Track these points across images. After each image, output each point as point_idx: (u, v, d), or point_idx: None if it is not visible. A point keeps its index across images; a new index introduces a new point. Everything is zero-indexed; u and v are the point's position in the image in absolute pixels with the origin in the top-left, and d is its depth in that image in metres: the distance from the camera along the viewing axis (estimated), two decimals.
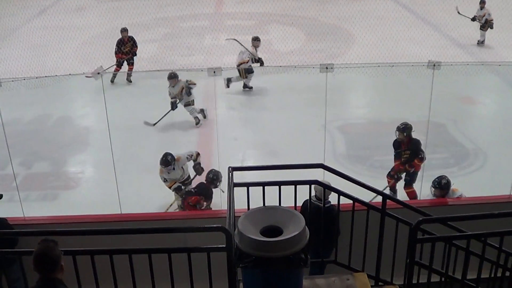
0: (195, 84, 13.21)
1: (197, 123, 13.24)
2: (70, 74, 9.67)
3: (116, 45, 16.12)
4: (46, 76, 10.30)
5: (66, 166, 11.85)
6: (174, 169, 9.67)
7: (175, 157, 9.70)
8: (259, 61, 15.25)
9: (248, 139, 12.56)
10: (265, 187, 5.70)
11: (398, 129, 9.87)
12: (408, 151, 9.91)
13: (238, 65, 15.02)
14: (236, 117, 13.53)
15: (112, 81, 15.95)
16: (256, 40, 15.61)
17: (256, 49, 15.48)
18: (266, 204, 5.45)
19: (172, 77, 13.21)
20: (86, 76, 7.57)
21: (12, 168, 9.52)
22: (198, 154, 9.99)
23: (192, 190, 9.37)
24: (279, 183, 5.76)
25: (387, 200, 6.19)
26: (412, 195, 9.98)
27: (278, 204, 5.54)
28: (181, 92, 13.21)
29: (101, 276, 4.86)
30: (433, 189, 8.63)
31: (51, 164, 11.85)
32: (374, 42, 17.53)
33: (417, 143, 9.86)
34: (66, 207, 9.71)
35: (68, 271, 4.33)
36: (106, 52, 17.98)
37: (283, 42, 19.03)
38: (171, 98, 13.29)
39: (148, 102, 13.94)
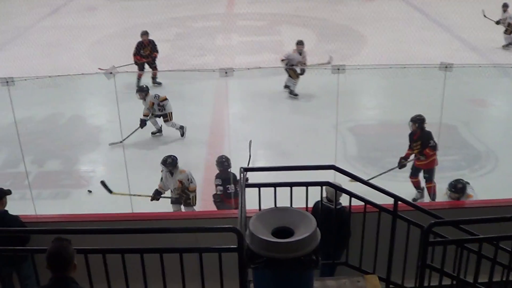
0: (166, 99, 12.69)
1: (182, 134, 12.70)
2: (82, 74, 9.72)
3: (136, 47, 15.93)
4: (58, 75, 10.34)
5: (78, 165, 11.87)
6: (172, 175, 9.47)
7: (179, 169, 9.44)
8: (300, 69, 14.77)
9: (259, 139, 12.47)
10: (276, 187, 5.69)
11: (411, 119, 10.16)
12: (419, 142, 10.09)
13: (287, 68, 14.73)
14: (247, 118, 13.47)
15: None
16: (298, 44, 15.22)
17: (300, 54, 15.08)
18: (277, 205, 5.44)
19: (139, 90, 12.74)
20: (99, 69, 7.58)
21: (25, 166, 9.57)
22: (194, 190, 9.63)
23: (231, 190, 9.15)
24: (291, 184, 5.74)
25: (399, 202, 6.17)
26: (431, 190, 10.21)
27: (289, 205, 5.54)
28: (152, 107, 12.60)
29: (112, 274, 4.88)
30: (449, 192, 8.64)
31: (63, 162, 11.89)
32: (385, 44, 17.51)
33: (428, 134, 10.06)
34: (77, 206, 9.77)
35: (79, 269, 4.34)
36: (118, 52, 18.04)
37: (295, 43, 19.03)
38: (143, 115, 12.66)
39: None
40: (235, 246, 4.59)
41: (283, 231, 4.78)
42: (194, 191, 9.57)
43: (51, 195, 10.43)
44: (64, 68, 13.90)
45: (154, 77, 15.85)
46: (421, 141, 10.05)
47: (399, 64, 9.15)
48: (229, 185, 9.12)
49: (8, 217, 7.19)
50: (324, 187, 6.32)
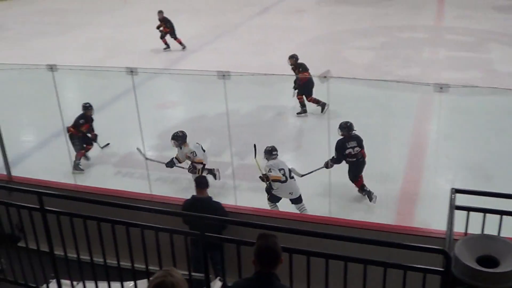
0: (202, 163, 10.89)
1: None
2: (296, 75, 9.87)
3: None
4: (273, 74, 10.65)
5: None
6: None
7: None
8: None
9: (462, 159, 11.94)
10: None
11: None
12: None
13: None
14: (451, 135, 12.87)
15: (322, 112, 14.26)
16: None
17: None
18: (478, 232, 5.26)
19: (173, 138, 10.99)
20: (319, 77, 7.67)
21: (231, 156, 9.99)
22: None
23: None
24: (501, 212, 5.51)
25: None
26: None
27: (496, 234, 5.33)
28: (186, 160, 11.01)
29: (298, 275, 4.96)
30: None
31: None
32: None
33: None
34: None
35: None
36: (323, 56, 18.29)
37: (504, 62, 18.20)
38: (174, 157, 11.12)
39: (357, 108, 13.76)
40: (442, 269, 4.51)
41: (488, 260, 4.61)
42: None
43: (251, 188, 10.60)
44: (270, 66, 14.35)
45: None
46: None
47: None
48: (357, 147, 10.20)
49: (212, 203, 7.60)
50: None
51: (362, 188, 10.36)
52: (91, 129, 12.33)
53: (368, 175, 10.59)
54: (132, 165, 11.71)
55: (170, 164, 11.03)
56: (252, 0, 29.98)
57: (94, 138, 12.37)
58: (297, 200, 9.89)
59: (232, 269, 5.71)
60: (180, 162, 11.02)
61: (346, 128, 10.25)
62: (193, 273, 5.86)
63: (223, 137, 10.50)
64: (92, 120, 12.29)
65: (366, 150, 10.38)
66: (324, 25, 24.50)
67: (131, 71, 8.56)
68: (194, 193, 7.72)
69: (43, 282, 6.41)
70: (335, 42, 21.04)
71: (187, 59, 19.90)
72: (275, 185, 9.79)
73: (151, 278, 3.66)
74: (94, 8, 30.71)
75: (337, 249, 4.92)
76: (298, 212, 9.75)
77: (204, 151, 10.91)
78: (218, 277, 6.58)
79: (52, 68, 8.83)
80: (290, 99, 14.25)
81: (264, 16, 26.83)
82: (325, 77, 7.64)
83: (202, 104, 14.92)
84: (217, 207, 7.52)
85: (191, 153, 10.72)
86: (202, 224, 5.51)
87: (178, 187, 11.20)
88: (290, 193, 9.87)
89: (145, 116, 9.46)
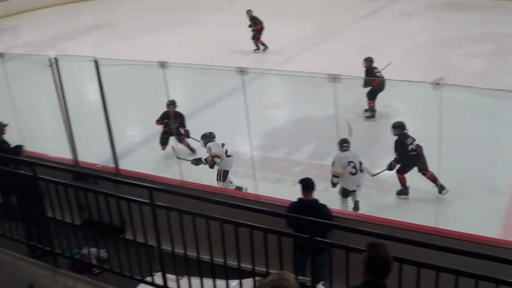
0: (219, 157, 10.95)
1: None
2: (408, 80, 9.68)
3: None
4: (382, 78, 10.34)
5: (379, 168, 11.24)
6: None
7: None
8: None
9: None
10: None
11: None
12: None
13: None
14: None
15: None
16: None
17: None
18: None
19: (202, 137, 11.38)
20: (432, 83, 7.50)
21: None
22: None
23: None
24: None
25: None
26: None
27: None
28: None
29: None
30: None
31: (368, 163, 11.67)
32: None
33: None
34: (378, 207, 9.91)
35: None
36: (430, 62, 17.92)
37: None
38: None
39: (465, 117, 13.34)
40: None
41: None
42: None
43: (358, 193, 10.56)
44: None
45: None
46: None
47: None
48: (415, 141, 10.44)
49: (319, 206, 7.63)
50: None
51: (404, 184, 10.53)
52: (182, 125, 12.72)
53: (473, 186, 10.32)
54: (237, 164, 11.77)
55: (196, 161, 11.44)
56: (359, 3, 29.73)
57: (186, 133, 12.67)
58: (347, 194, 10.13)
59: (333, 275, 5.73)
60: (207, 162, 11.17)
61: (399, 127, 10.54)
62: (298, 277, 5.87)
63: (328, 140, 10.44)
64: (180, 115, 12.75)
65: (472, 159, 10.15)
66: (432, 30, 23.94)
67: (241, 71, 8.65)
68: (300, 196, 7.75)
69: (148, 275, 6.58)
70: (443, 47, 20.56)
71: (291, 61, 19.92)
72: (335, 179, 10.01)
73: (264, 281, 3.70)
74: (201, 7, 31.35)
75: (446, 261, 4.83)
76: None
77: (228, 156, 11.07)
78: (322, 282, 6.55)
79: (163, 65, 9.05)
80: (396, 103, 14.09)
81: (371, 20, 26.53)
82: (438, 83, 7.47)
83: (308, 106, 14.92)
84: (324, 210, 7.53)
85: (208, 148, 11.09)
86: (311, 228, 5.50)
87: (284, 187, 11.16)
88: (357, 185, 10.07)
89: (250, 115, 9.54)
